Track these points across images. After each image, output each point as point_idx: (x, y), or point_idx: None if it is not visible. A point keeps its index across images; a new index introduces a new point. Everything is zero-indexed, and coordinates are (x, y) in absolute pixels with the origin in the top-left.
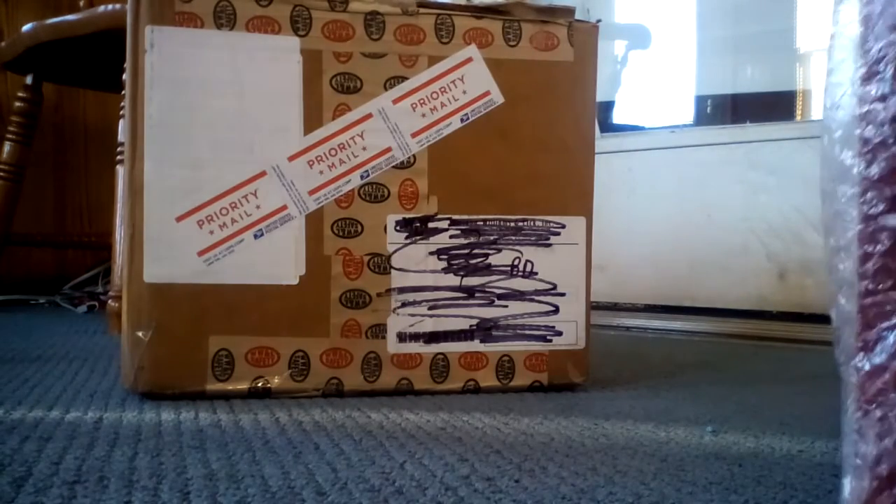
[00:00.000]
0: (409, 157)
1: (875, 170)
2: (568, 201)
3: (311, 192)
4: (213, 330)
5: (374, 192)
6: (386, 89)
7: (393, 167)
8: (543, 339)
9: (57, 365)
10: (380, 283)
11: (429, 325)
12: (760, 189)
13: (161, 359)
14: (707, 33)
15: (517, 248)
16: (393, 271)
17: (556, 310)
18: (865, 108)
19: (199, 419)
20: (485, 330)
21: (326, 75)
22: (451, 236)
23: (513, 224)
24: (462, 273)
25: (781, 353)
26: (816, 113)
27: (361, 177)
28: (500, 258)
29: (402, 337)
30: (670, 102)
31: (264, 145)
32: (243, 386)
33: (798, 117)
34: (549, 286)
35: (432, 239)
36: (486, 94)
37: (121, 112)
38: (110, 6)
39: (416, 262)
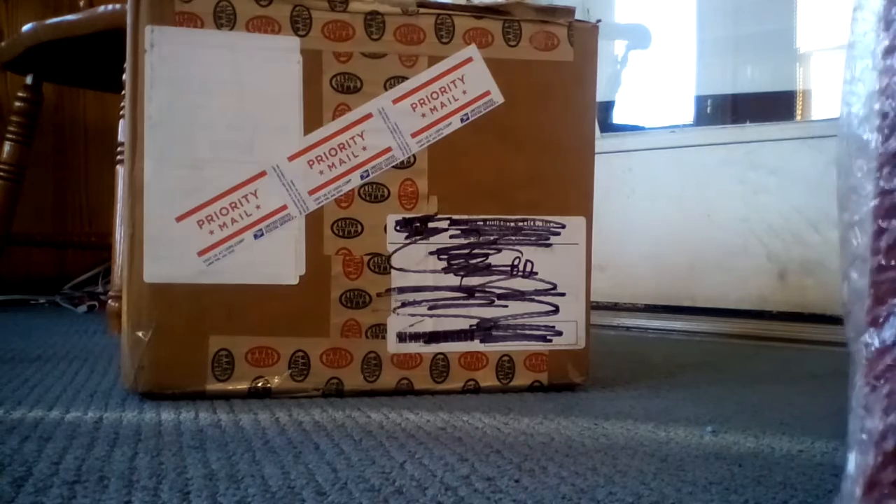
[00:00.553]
0: (409, 157)
1: (893, 144)
2: (568, 201)
3: (311, 192)
4: (213, 330)
5: (374, 192)
6: (386, 89)
7: (393, 167)
8: (543, 339)
9: (57, 365)
10: (380, 283)
11: (429, 325)
12: (760, 189)
13: (161, 359)
14: (707, 33)
15: (517, 248)
16: (393, 271)
17: (556, 310)
18: (886, 82)
19: (199, 419)
20: (485, 330)
21: (326, 75)
22: (451, 236)
23: (513, 224)
24: (462, 273)
25: (781, 353)
26: (816, 113)
27: (361, 177)
28: (500, 258)
29: (402, 337)
30: (670, 102)
31: (264, 145)
32: (243, 386)
33: (798, 117)
34: (549, 286)
35: (432, 239)
36: (486, 94)
37: (121, 112)
38: (110, 6)
39: (416, 262)
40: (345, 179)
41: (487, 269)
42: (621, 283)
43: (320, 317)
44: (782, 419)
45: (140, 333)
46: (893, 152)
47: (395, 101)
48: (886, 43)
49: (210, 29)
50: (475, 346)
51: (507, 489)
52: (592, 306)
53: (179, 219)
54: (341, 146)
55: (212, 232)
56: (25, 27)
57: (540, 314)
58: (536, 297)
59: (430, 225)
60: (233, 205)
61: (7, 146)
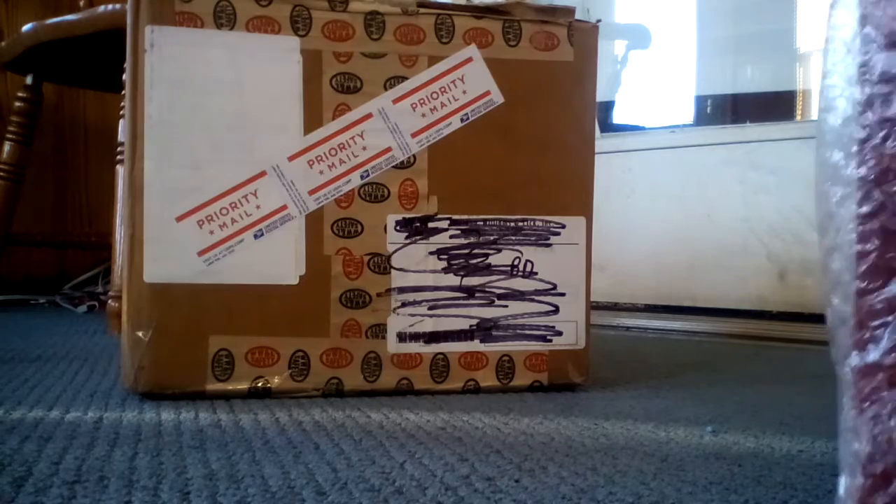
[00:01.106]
0: (409, 157)
1: (866, 170)
2: (568, 201)
3: (311, 192)
4: (213, 330)
5: (374, 192)
6: (386, 89)
7: (393, 167)
8: (543, 339)
9: (57, 365)
10: (380, 283)
11: (429, 325)
12: (760, 189)
13: (161, 359)
14: (707, 33)
15: (517, 248)
16: (393, 271)
17: (556, 310)
18: (857, 110)
19: (199, 419)
20: (485, 330)
21: (326, 75)
22: (451, 236)
23: (513, 224)
24: (462, 273)
25: (781, 353)
26: (817, 113)
27: (361, 177)
28: (500, 258)
29: (402, 337)
30: (670, 102)
31: (264, 145)
32: (243, 386)
33: (798, 117)
34: (549, 286)
35: (432, 239)
36: (486, 93)
37: (121, 112)
38: (110, 6)
39: (416, 262)
40: (345, 179)
41: (487, 269)
42: (621, 283)
43: (320, 317)
44: (782, 419)
45: (140, 333)
46: (867, 178)
47: (395, 101)
48: (856, 72)
49: (210, 29)
50: (475, 346)
51: (507, 489)
52: (592, 306)
53: (179, 219)
54: (341, 146)
55: (212, 232)
56: (25, 27)
57: (540, 314)
58: (536, 297)
59: (430, 225)
60: (233, 205)
61: (7, 146)
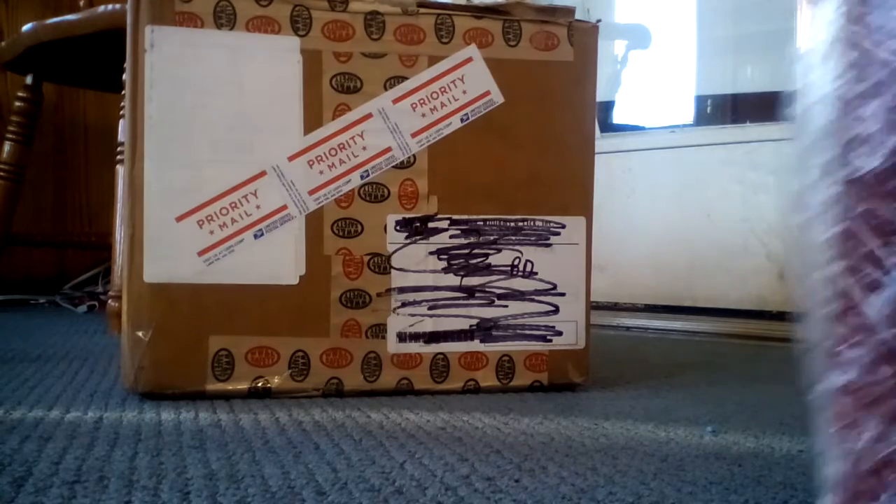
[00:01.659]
0: (409, 157)
1: (836, 189)
2: (568, 201)
3: (311, 192)
4: (213, 330)
5: (374, 192)
6: (386, 89)
7: (393, 167)
8: (543, 339)
9: (57, 365)
10: (380, 283)
11: (429, 325)
12: (760, 189)
13: (161, 359)
14: (707, 33)
15: (517, 248)
16: (393, 271)
17: (556, 310)
18: (832, 117)
19: (199, 419)
20: (485, 330)
21: (326, 75)
22: (451, 236)
23: (513, 224)
24: (462, 273)
25: (781, 353)
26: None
27: (361, 177)
28: (500, 258)
29: (402, 337)
30: (670, 102)
31: (264, 145)
32: (243, 386)
33: None
34: (549, 286)
35: (432, 239)
36: (486, 93)
37: (121, 112)
38: (110, 6)
39: (416, 262)
40: (345, 179)
41: (487, 269)
42: (621, 283)
43: (320, 317)
44: (782, 419)
45: (140, 333)
46: (837, 196)
47: (395, 100)
48: (834, 79)
49: (210, 29)
50: (475, 346)
51: (507, 489)
52: (592, 306)
53: (179, 219)
54: (341, 146)
55: (212, 232)
56: (25, 27)
57: (540, 314)
58: (536, 297)
59: (430, 225)
60: (233, 205)
61: (7, 146)
